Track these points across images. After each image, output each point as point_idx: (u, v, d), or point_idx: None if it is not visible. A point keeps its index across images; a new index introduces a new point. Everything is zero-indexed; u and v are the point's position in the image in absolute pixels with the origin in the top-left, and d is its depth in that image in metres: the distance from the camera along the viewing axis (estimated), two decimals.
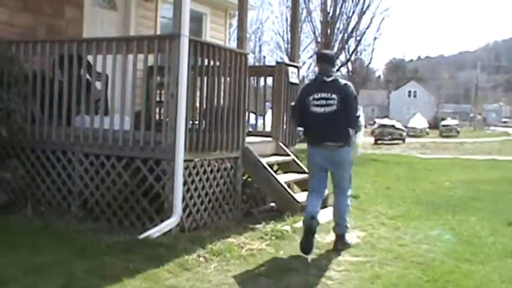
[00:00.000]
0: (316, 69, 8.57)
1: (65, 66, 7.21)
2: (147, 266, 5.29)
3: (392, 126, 37.23)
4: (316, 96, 6.32)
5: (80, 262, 5.31)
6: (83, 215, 6.88)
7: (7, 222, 6.65)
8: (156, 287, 4.80)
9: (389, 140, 35.16)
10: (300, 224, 7.16)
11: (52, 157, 7.20)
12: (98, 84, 7.29)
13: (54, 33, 8.54)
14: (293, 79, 9.45)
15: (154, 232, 6.26)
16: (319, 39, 28.27)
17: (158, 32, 10.67)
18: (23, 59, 7.52)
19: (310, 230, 6.09)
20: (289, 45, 12.22)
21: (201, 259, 5.68)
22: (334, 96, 6.25)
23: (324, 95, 6.29)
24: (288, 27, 28.02)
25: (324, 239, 6.76)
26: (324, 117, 6.29)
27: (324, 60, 6.63)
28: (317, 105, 6.32)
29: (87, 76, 7.25)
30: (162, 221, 6.42)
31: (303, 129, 6.78)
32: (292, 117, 7.52)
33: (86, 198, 6.99)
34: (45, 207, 7.14)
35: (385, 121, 40.09)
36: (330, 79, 6.38)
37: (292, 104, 7.36)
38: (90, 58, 7.23)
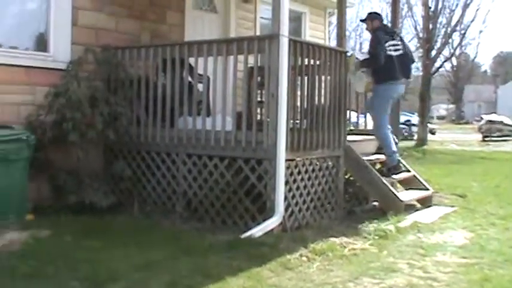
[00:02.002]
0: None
1: (168, 70, 7.40)
2: (249, 265, 5.32)
3: (501, 122, 35.74)
4: (391, 42, 8.05)
5: (185, 260, 5.42)
6: (187, 214, 7.03)
7: (116, 222, 6.89)
8: (258, 286, 4.81)
9: (498, 136, 33.82)
10: (404, 223, 7.03)
11: (157, 158, 7.40)
12: (200, 86, 7.42)
13: (157, 38, 8.78)
14: None
15: (257, 231, 6.30)
16: (420, 35, 27.55)
17: (257, 33, 10.76)
18: (128, 64, 7.77)
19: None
20: None
21: (304, 258, 5.65)
22: (400, 43, 8.21)
23: (395, 42, 8.13)
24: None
25: (429, 238, 6.58)
26: (397, 58, 8.08)
27: (382, 19, 8.48)
28: (392, 50, 8.05)
29: (189, 78, 7.40)
30: (264, 220, 6.45)
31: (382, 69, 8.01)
32: (377, 59, 8.01)
33: (190, 199, 7.13)
34: (151, 207, 7.36)
35: (493, 117, 38.53)
36: (395, 31, 8.56)
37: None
38: (191, 61, 7.38)
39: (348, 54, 8.10)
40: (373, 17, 8.48)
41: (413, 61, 8.77)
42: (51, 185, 7.21)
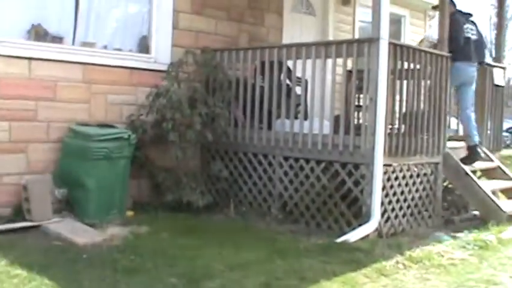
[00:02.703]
0: None
1: (266, 72, 7.44)
2: (344, 269, 5.27)
3: None
4: (467, 26, 8.26)
5: (280, 262, 5.43)
6: (283, 217, 7.04)
7: (212, 221, 7.01)
8: None
9: None
10: (506, 235, 6.77)
11: (254, 160, 7.45)
12: (298, 89, 7.43)
13: (255, 40, 8.86)
14: (498, 81, 8.96)
15: (352, 236, 6.24)
16: None
17: (356, 36, 10.65)
18: (226, 66, 7.87)
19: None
20: (494, 45, 11.59)
21: (399, 265, 5.55)
22: (474, 27, 8.39)
23: (470, 26, 8.32)
24: (492, 27, 26.72)
25: None
26: (473, 42, 8.25)
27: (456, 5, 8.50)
28: (469, 33, 8.23)
29: (287, 81, 7.41)
30: (359, 225, 6.38)
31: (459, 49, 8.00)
32: (457, 41, 8.06)
33: (285, 201, 7.14)
34: (247, 208, 7.42)
35: None
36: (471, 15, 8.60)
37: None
38: (289, 63, 7.40)
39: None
40: (449, 2, 8.42)
41: (486, 46, 9.23)
42: (150, 183, 7.42)
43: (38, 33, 6.85)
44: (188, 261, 5.29)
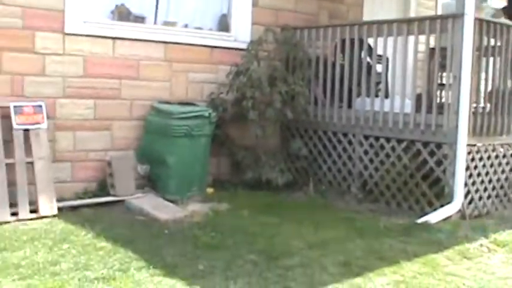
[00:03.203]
0: None
1: (346, 50, 7.35)
2: (425, 250, 5.19)
3: None
4: None
5: (359, 242, 5.39)
6: (362, 196, 6.98)
7: (291, 199, 7.03)
8: (434, 273, 4.66)
9: None
10: None
11: (333, 138, 7.40)
12: (379, 67, 7.30)
13: (335, 17, 8.75)
14: None
15: (433, 217, 6.12)
16: None
17: (439, 12, 10.37)
18: (306, 44, 7.82)
19: None
20: None
21: (484, 249, 5.40)
22: None
23: None
24: None
25: None
26: None
27: None
28: None
29: (368, 59, 7.30)
30: (441, 206, 6.25)
31: None
32: None
33: (365, 180, 7.07)
34: (326, 186, 7.39)
35: None
36: None
37: None
38: (370, 41, 7.28)
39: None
40: None
41: None
42: (230, 161, 7.50)
43: (122, 13, 7.01)
44: (267, 239, 5.33)
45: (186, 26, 7.55)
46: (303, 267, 4.63)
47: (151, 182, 6.69)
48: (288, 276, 4.45)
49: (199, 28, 7.67)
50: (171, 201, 6.37)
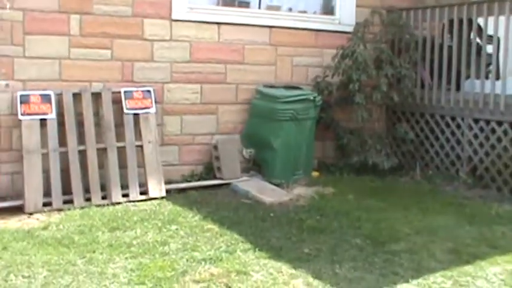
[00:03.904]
0: None
1: (454, 31, 7.11)
2: None
3: None
4: None
5: (468, 228, 5.25)
6: (472, 181, 6.75)
7: (397, 184, 6.92)
8: None
9: None
10: None
11: (441, 122, 7.21)
12: (489, 48, 7.03)
13: None
14: None
15: None
16: None
17: None
18: (413, 25, 7.64)
19: None
20: None
21: None
22: None
23: None
24: None
25: None
26: None
27: None
28: None
29: (478, 40, 7.04)
30: None
31: None
32: None
33: (474, 165, 6.84)
34: (433, 171, 7.21)
35: None
36: None
37: None
38: (480, 21, 7.01)
39: None
40: None
41: None
42: (335, 145, 7.46)
43: None
44: (373, 223, 5.28)
45: (290, 9, 7.55)
46: (410, 253, 4.56)
47: (256, 166, 6.78)
48: (394, 262, 4.40)
49: (304, 12, 7.64)
50: (276, 185, 6.42)
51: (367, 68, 6.94)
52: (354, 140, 7.19)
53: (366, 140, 7.17)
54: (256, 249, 4.53)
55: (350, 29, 7.40)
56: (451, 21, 7.22)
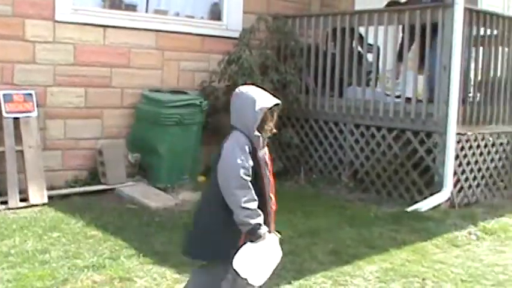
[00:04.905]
0: None
1: (338, 39, 7.35)
2: (414, 238, 5.24)
3: None
4: None
5: (349, 230, 5.44)
6: (353, 185, 7.00)
7: (282, 188, 6.99)
8: (423, 261, 4.71)
9: None
10: None
11: (324, 127, 7.41)
12: (370, 56, 7.31)
13: (327, 6, 8.72)
14: None
15: (423, 205, 6.17)
16: None
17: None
18: (298, 33, 7.82)
19: None
20: None
21: (472, 237, 5.46)
22: None
23: None
24: None
25: None
26: None
27: None
28: None
29: (359, 48, 7.31)
30: (431, 195, 6.29)
31: None
32: None
33: (356, 169, 7.10)
34: (317, 175, 7.41)
35: None
36: None
37: None
38: (361, 30, 7.28)
39: None
40: None
41: None
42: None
43: (112, 2, 6.99)
44: None
45: (177, 14, 7.55)
46: (293, 255, 4.65)
47: (142, 171, 6.71)
48: (277, 264, 4.47)
49: (191, 16, 7.66)
50: (162, 190, 6.39)
51: (253, 74, 7.02)
52: None
53: None
54: (141, 254, 4.49)
55: (237, 34, 7.48)
56: (334, 30, 7.44)
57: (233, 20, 7.77)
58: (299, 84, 7.57)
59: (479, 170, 6.79)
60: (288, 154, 7.67)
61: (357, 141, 7.08)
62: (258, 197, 2.92)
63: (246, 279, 2.94)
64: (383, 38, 6.90)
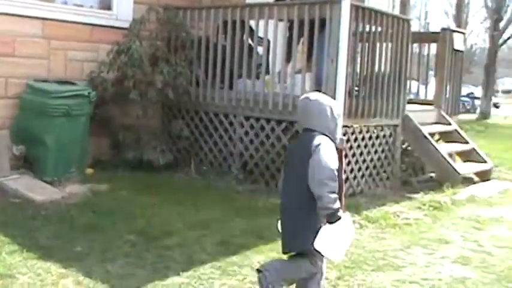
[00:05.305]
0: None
1: (228, 32, 7.40)
2: None
3: None
4: None
5: (238, 221, 5.50)
6: (243, 176, 7.08)
7: (172, 180, 7.03)
8: None
9: None
10: (460, 196, 6.94)
11: (215, 119, 7.45)
12: (260, 49, 7.41)
13: None
14: (458, 46, 9.06)
15: None
16: (489, 4, 26.73)
17: None
18: (189, 25, 7.80)
19: None
20: (455, 11, 11.69)
21: (356, 225, 5.64)
22: None
23: None
24: None
25: (485, 212, 6.49)
26: None
27: None
28: None
29: (250, 41, 7.39)
30: None
31: None
32: None
33: (245, 161, 7.18)
34: (207, 167, 7.44)
35: None
36: None
37: None
38: (252, 23, 7.36)
39: None
40: None
41: None
42: (110, 141, 7.38)
43: None
44: (147, 219, 5.33)
45: (65, 2, 7.36)
46: (182, 247, 4.68)
47: (27, 163, 6.48)
48: (167, 256, 4.48)
49: (80, 5, 7.48)
50: (49, 183, 6.21)
51: (143, 65, 6.97)
52: (129, 136, 7.18)
53: (142, 137, 7.21)
54: (24, 250, 4.36)
55: (127, 25, 7.38)
56: (225, 23, 7.48)
57: (123, 10, 7.65)
58: (190, 76, 7.57)
59: (364, 161, 7.05)
60: (178, 146, 7.66)
61: (246, 133, 7.16)
62: None
63: (327, 257, 3.51)
64: (273, 31, 7.00)
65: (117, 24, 7.52)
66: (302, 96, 3.69)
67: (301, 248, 3.52)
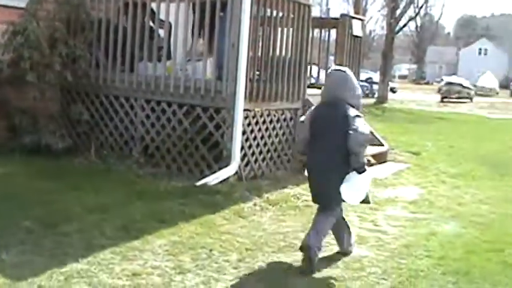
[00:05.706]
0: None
1: (129, 14, 7.28)
2: (203, 211, 5.40)
3: (460, 84, 36.26)
4: None
5: (139, 205, 5.46)
6: (144, 160, 7.02)
7: (71, 165, 6.89)
8: (210, 233, 4.88)
9: (456, 98, 34.29)
10: None
11: (115, 103, 7.34)
12: (161, 32, 7.34)
13: None
14: (357, 32, 9.29)
15: (212, 179, 6.36)
16: None
17: None
18: (89, 6, 7.62)
19: None
20: None
21: (257, 208, 5.74)
22: None
23: None
24: None
25: (381, 193, 6.73)
26: None
27: None
28: None
29: (151, 24, 7.30)
30: (220, 169, 6.50)
31: None
32: None
33: (147, 144, 7.13)
34: (108, 151, 7.33)
35: (453, 79, 38.98)
36: None
37: None
38: (154, 6, 7.28)
39: None
40: None
41: None
42: (7, 124, 7.14)
43: None
44: (45, 205, 5.20)
45: None
46: (82, 233, 4.60)
47: None
48: (65, 243, 4.40)
49: None
50: None
51: (40, 47, 6.78)
52: (26, 119, 6.98)
53: (39, 120, 7.02)
54: None
55: (23, 4, 7.14)
56: (126, 4, 7.37)
57: None
58: (89, 59, 7.41)
59: (265, 144, 7.14)
60: (78, 130, 7.50)
61: (147, 116, 7.10)
62: None
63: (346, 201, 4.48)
64: (175, 14, 6.95)
65: (12, 3, 7.23)
66: (336, 68, 4.78)
67: (330, 199, 4.43)
